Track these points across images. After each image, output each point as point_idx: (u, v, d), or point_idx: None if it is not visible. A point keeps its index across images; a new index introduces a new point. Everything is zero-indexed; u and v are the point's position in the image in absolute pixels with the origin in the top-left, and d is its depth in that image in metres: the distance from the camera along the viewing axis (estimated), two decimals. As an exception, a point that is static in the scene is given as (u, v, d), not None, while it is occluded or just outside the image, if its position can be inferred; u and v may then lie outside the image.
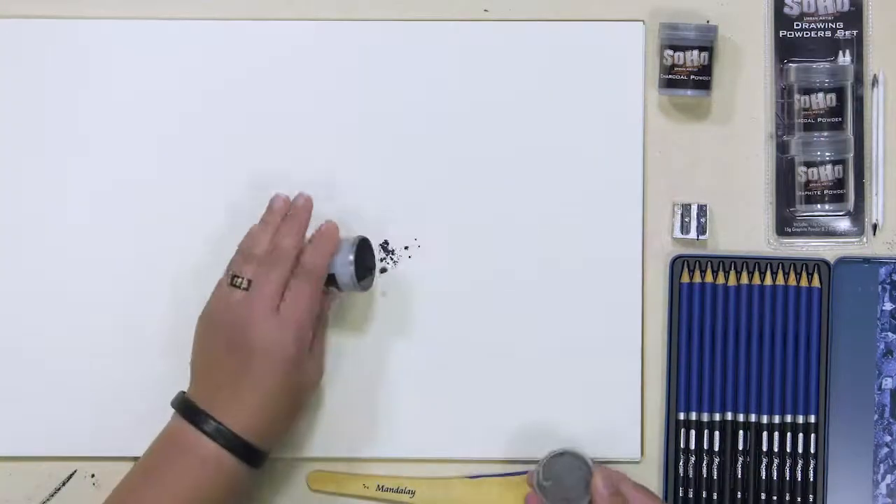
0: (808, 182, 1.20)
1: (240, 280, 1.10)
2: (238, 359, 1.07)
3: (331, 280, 1.12)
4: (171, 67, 1.22)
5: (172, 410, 1.09)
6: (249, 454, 1.07)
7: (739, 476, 1.20)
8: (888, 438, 1.20)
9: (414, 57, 1.22)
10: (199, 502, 1.06)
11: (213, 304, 1.11)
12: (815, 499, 1.19)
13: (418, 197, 1.21)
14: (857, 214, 1.21)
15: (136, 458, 1.19)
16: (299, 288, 1.09)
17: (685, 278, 1.21)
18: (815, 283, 1.20)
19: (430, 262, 1.21)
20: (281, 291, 1.09)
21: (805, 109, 1.19)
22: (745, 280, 1.21)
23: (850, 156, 1.20)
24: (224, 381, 1.07)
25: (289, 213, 1.13)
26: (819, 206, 1.20)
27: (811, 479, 1.20)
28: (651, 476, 1.21)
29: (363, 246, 1.14)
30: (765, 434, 1.20)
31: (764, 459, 1.20)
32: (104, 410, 1.20)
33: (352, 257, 1.11)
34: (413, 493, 1.17)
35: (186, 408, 1.08)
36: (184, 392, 1.09)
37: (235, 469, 1.07)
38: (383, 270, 1.20)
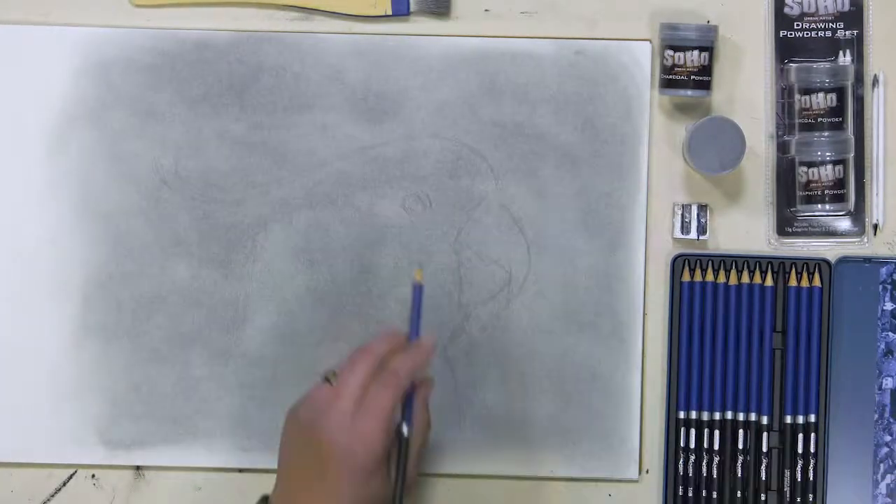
0: (808, 182, 1.19)
1: (332, 373, 1.07)
2: (313, 462, 1.04)
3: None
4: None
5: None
6: None
7: (739, 475, 1.20)
8: (888, 438, 1.20)
9: (421, 68, 1.22)
10: None
11: (300, 402, 1.08)
12: (815, 499, 1.19)
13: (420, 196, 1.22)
14: (858, 214, 1.21)
15: (137, 467, 1.20)
16: (378, 393, 1.04)
17: (686, 277, 1.21)
18: (816, 282, 1.20)
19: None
20: (362, 391, 1.04)
21: (805, 109, 1.19)
22: (745, 279, 1.21)
23: (851, 156, 1.20)
24: (299, 486, 1.05)
25: (410, 347, 1.09)
26: (819, 206, 1.20)
27: (811, 479, 1.20)
28: (651, 475, 1.21)
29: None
30: (765, 434, 1.20)
31: (764, 459, 1.20)
32: (104, 417, 1.21)
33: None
34: None
35: None
36: (266, 496, 1.07)
37: None
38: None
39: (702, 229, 1.20)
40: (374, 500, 1.05)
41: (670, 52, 1.19)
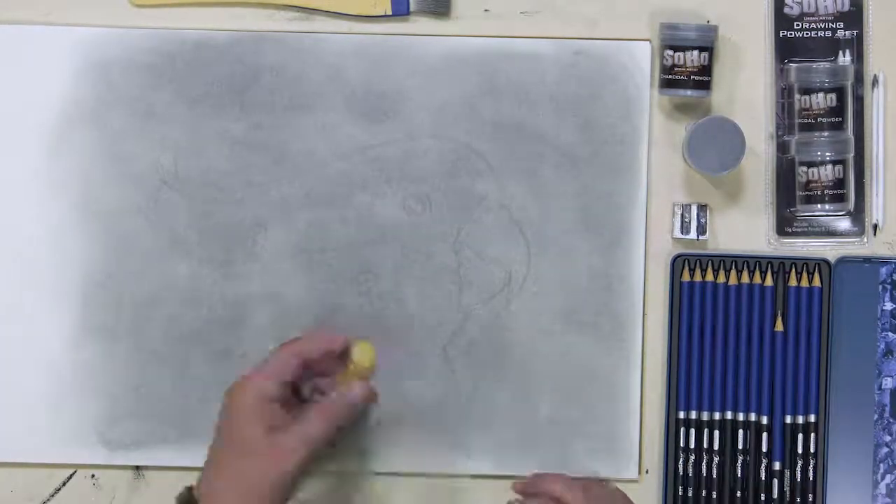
0: (808, 182, 1.19)
1: None
2: (218, 429, 1.09)
3: None
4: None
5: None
6: None
7: (739, 475, 1.20)
8: (888, 438, 1.20)
9: (421, 68, 1.22)
10: None
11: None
12: (814, 499, 1.19)
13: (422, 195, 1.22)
14: (858, 214, 1.21)
15: (136, 467, 1.20)
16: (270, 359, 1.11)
17: (686, 277, 1.21)
18: (816, 282, 1.20)
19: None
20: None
21: (805, 109, 1.19)
22: (745, 279, 1.21)
23: (851, 156, 1.20)
24: (211, 460, 1.09)
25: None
26: (819, 206, 1.20)
27: (811, 479, 1.20)
28: (651, 475, 1.21)
29: None
30: (765, 434, 1.20)
31: (764, 459, 1.20)
32: (104, 417, 1.21)
33: None
34: None
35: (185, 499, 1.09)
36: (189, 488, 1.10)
37: None
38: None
39: (701, 229, 1.20)
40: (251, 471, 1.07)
41: (670, 52, 1.19)
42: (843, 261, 1.21)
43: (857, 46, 1.21)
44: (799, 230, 1.21)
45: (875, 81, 1.21)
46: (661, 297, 1.21)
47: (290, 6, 1.22)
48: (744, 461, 1.20)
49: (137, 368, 1.21)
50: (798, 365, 1.20)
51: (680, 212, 1.21)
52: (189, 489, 1.08)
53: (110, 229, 1.21)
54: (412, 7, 1.21)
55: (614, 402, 1.21)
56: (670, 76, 1.19)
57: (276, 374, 1.09)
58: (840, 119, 1.19)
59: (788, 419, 1.20)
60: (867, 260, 1.21)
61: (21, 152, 1.21)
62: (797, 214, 1.21)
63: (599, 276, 1.21)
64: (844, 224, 1.21)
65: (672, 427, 1.20)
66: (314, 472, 1.16)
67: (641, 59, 1.21)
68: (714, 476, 1.20)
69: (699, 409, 1.20)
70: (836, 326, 1.20)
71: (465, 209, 1.21)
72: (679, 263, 1.21)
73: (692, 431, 1.20)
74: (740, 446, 1.20)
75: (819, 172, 1.19)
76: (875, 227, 1.21)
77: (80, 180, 1.21)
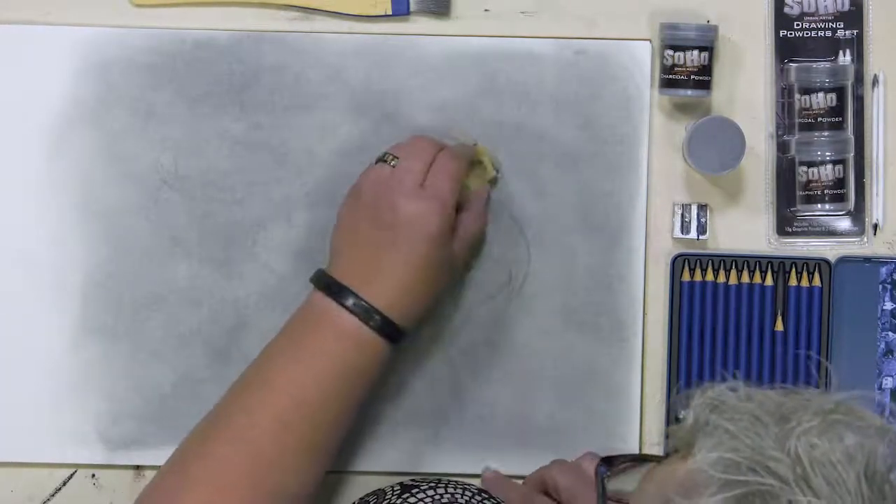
0: (808, 182, 1.19)
1: (389, 156, 1.12)
2: (382, 232, 1.09)
3: None
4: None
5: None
6: (388, 329, 1.08)
7: (739, 475, 1.20)
8: (888, 438, 1.20)
9: (421, 68, 1.21)
10: (338, 378, 1.07)
11: (360, 181, 1.13)
12: (815, 498, 1.19)
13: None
14: (858, 214, 1.21)
15: (136, 466, 1.20)
16: (443, 164, 1.12)
17: (686, 277, 1.21)
18: (816, 282, 1.20)
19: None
20: (426, 170, 1.11)
21: (805, 109, 1.19)
22: (745, 279, 1.21)
23: (851, 156, 1.20)
24: (366, 256, 1.09)
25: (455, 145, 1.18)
26: (819, 205, 1.20)
27: (811, 479, 1.19)
28: (651, 475, 1.21)
29: None
30: (765, 434, 1.20)
31: (764, 459, 1.20)
32: (104, 417, 1.21)
33: None
34: None
35: (326, 283, 1.09)
36: (322, 269, 1.11)
37: (374, 344, 1.08)
38: None
39: (701, 229, 1.20)
40: (443, 263, 1.10)
41: (670, 52, 1.19)
42: (843, 261, 1.21)
43: (857, 46, 1.21)
44: (799, 230, 1.21)
45: (875, 81, 1.21)
46: (661, 297, 1.21)
47: (290, 6, 1.22)
48: (744, 461, 1.20)
49: (137, 368, 1.21)
50: (798, 364, 1.20)
51: (680, 212, 1.21)
52: (322, 270, 1.11)
53: (110, 229, 1.21)
54: (412, 7, 1.21)
55: (614, 401, 1.21)
56: (670, 76, 1.19)
57: (452, 203, 1.11)
58: (840, 119, 1.19)
59: (788, 419, 1.20)
60: (867, 260, 1.21)
61: (21, 152, 1.21)
62: (797, 214, 1.21)
63: (599, 276, 1.21)
64: (844, 224, 1.21)
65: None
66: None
67: (641, 59, 1.21)
68: (714, 476, 1.20)
69: (699, 409, 1.20)
70: (836, 326, 1.20)
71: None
72: (679, 263, 1.21)
73: (692, 431, 1.20)
74: (740, 446, 1.20)
75: (819, 172, 1.19)
76: (875, 226, 1.21)
77: (80, 180, 1.21)
